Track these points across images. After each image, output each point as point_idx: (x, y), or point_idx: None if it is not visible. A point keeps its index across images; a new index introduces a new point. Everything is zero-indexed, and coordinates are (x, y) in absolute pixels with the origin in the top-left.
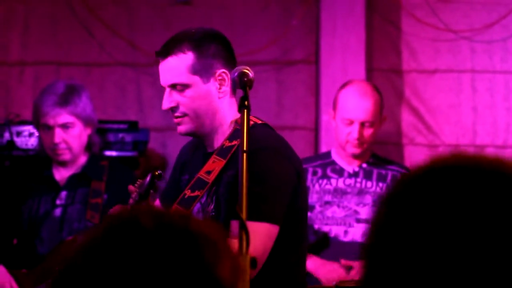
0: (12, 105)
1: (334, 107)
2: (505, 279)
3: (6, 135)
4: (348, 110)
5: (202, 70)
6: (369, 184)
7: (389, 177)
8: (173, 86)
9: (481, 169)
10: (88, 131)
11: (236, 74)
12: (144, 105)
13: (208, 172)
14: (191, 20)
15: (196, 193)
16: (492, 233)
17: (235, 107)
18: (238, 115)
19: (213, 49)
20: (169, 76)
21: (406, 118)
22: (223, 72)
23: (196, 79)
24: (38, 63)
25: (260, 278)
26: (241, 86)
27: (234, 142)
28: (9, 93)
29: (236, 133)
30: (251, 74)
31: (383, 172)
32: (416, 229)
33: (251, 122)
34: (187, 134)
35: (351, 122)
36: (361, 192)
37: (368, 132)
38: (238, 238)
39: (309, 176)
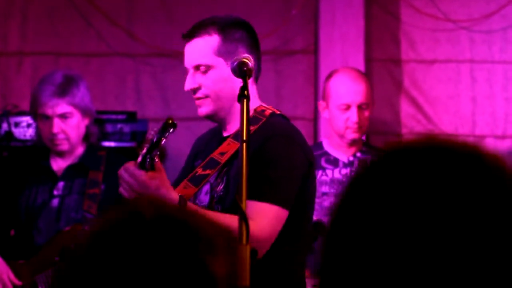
0: (11, 95)
1: (326, 97)
2: (465, 261)
3: (4, 126)
4: (344, 95)
5: (226, 53)
6: None
7: None
8: (197, 68)
9: (444, 152)
10: (86, 121)
11: (235, 63)
12: (143, 96)
13: (222, 154)
14: (191, 10)
15: (208, 171)
16: (448, 215)
17: (255, 94)
18: (258, 103)
19: (239, 34)
20: (194, 57)
21: (405, 108)
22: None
23: (220, 61)
24: (36, 54)
25: (262, 262)
26: (241, 75)
27: (251, 128)
28: (8, 84)
29: (254, 120)
30: (250, 63)
31: None
32: (375, 211)
33: (270, 111)
34: (207, 116)
35: (348, 107)
36: None
37: (365, 115)
38: (252, 218)
39: None
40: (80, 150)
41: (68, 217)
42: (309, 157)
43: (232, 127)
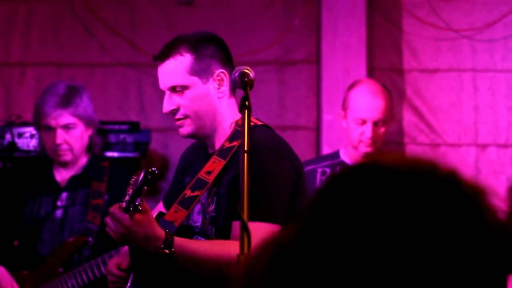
0: (14, 106)
1: (345, 107)
2: (410, 276)
3: (8, 137)
4: (361, 110)
5: (200, 70)
6: None
7: None
8: (173, 89)
9: (397, 171)
10: (89, 131)
11: (237, 74)
12: (146, 106)
13: (208, 173)
14: (193, 20)
15: (196, 193)
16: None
17: (235, 107)
18: (238, 116)
19: (211, 50)
20: (168, 79)
21: (408, 117)
22: (222, 72)
23: (195, 80)
24: (39, 64)
25: None
26: (242, 86)
27: (234, 143)
28: (11, 94)
29: (236, 134)
30: (251, 74)
31: None
32: (330, 230)
33: (252, 123)
34: (189, 136)
35: (363, 122)
36: None
37: (380, 131)
38: (239, 238)
39: (318, 176)
40: (83, 160)
41: (71, 228)
42: (296, 167)
43: (216, 144)
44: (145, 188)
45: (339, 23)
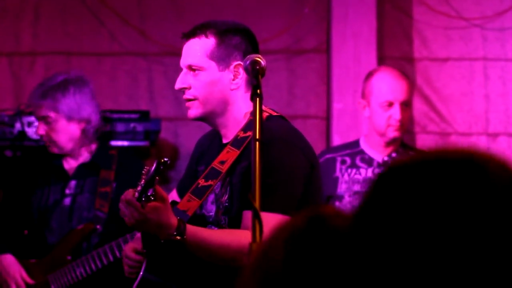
0: (23, 95)
1: (366, 95)
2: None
3: (17, 126)
4: (388, 92)
5: (220, 57)
6: None
7: None
8: (189, 68)
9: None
10: (78, 125)
11: (248, 62)
12: (156, 95)
13: (222, 162)
14: (203, 9)
15: (210, 182)
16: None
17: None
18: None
19: (236, 40)
20: (188, 57)
21: (418, 106)
22: (239, 64)
23: (212, 65)
24: (49, 53)
25: None
26: (253, 74)
27: (249, 133)
28: (20, 84)
29: (250, 124)
30: (263, 62)
31: None
32: (391, 219)
33: (266, 114)
34: (196, 119)
35: (390, 104)
36: None
37: (406, 113)
38: (251, 227)
39: (338, 165)
40: (88, 149)
41: (80, 216)
42: (310, 158)
43: (230, 134)
44: (157, 178)
45: (349, 12)
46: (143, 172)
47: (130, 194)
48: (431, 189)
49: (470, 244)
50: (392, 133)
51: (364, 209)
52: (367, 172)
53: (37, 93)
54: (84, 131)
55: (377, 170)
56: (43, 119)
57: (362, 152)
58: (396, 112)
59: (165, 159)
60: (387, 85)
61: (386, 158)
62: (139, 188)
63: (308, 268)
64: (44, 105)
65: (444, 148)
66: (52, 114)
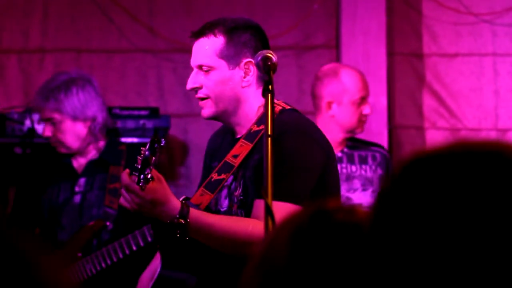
0: (33, 92)
1: (335, 96)
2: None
3: (27, 123)
4: (360, 89)
5: (229, 56)
6: (353, 168)
7: (369, 158)
8: (200, 67)
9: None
10: (84, 124)
11: (259, 58)
12: (165, 92)
13: (235, 156)
14: (212, 5)
15: (222, 176)
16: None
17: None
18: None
19: (245, 38)
20: (197, 57)
21: (428, 102)
22: (249, 61)
23: (222, 63)
24: (58, 50)
25: None
26: (265, 70)
27: (262, 127)
28: (30, 81)
29: (263, 118)
30: (274, 58)
31: (363, 154)
32: (407, 226)
33: (280, 107)
34: (210, 118)
35: (362, 100)
36: (348, 178)
37: None
38: (261, 218)
39: None
40: (96, 146)
41: (90, 213)
42: (325, 149)
43: (242, 129)
44: (154, 158)
45: (359, 8)
46: (140, 153)
47: (127, 178)
48: (460, 184)
49: (501, 242)
50: (361, 129)
51: (386, 205)
52: None
53: (40, 96)
54: (90, 129)
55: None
56: (48, 120)
57: None
58: (366, 107)
59: (159, 137)
60: (359, 82)
61: (339, 154)
62: (136, 173)
63: (311, 263)
64: (47, 107)
65: (470, 140)
66: (56, 116)
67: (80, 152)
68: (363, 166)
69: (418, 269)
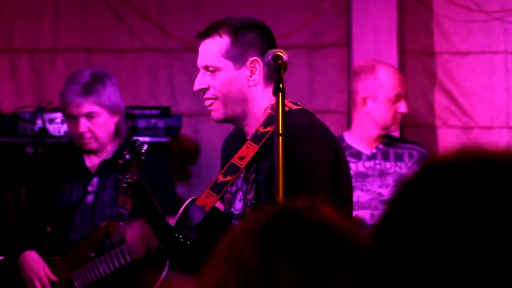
0: (44, 92)
1: (370, 92)
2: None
3: (39, 122)
4: (395, 86)
5: (235, 56)
6: (388, 165)
7: (405, 156)
8: (206, 68)
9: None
10: (115, 118)
11: (270, 57)
12: (176, 91)
13: (241, 158)
14: (222, 4)
15: (228, 178)
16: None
17: (270, 96)
18: (274, 101)
19: (251, 37)
20: (203, 58)
21: (439, 100)
22: (255, 60)
23: (228, 64)
24: (69, 50)
25: None
26: (276, 68)
27: (269, 128)
28: (41, 80)
29: (270, 119)
30: (285, 56)
31: (399, 151)
32: (418, 232)
33: (286, 108)
34: (220, 121)
35: (398, 98)
36: (382, 174)
37: None
38: None
39: None
40: (113, 145)
41: (102, 213)
42: (333, 147)
43: (251, 130)
44: (135, 162)
45: (370, 5)
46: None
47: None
48: (478, 194)
49: None
50: (395, 126)
51: (397, 213)
52: (357, 166)
53: (75, 91)
54: (117, 125)
55: (367, 163)
56: (86, 115)
57: (349, 147)
58: (402, 105)
59: (136, 139)
60: (395, 79)
61: (374, 150)
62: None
63: (282, 260)
64: (87, 102)
65: (485, 147)
66: (96, 109)
67: (101, 149)
68: (398, 163)
69: (426, 282)
